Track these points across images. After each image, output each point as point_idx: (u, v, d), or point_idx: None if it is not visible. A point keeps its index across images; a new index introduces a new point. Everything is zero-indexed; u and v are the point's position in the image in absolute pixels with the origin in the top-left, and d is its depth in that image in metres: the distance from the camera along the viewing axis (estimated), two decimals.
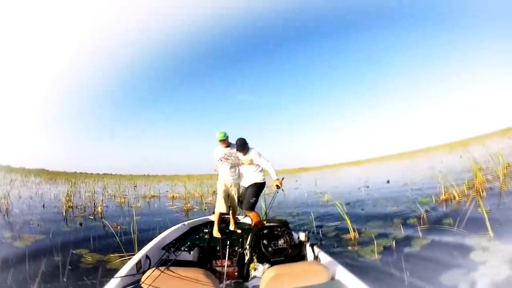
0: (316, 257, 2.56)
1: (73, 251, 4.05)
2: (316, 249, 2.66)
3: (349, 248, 3.95)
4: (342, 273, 1.95)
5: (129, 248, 3.98)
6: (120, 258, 3.83)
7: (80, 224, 6.45)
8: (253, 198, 3.67)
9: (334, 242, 4.30)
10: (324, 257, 2.43)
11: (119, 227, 5.54)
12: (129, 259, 3.60)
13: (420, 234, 3.91)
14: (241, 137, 3.74)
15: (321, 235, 4.75)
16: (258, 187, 3.73)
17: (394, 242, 3.73)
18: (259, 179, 3.74)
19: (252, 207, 3.66)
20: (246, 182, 3.82)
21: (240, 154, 3.75)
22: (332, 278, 1.90)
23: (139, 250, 3.76)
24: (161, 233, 3.40)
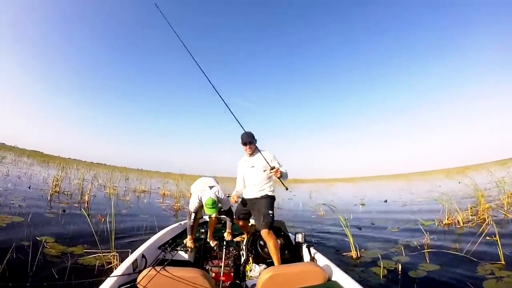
0: (312, 258, 2.58)
1: (37, 238, 3.71)
2: (312, 250, 2.68)
3: (351, 267, 3.66)
4: (339, 275, 1.98)
5: (106, 242, 3.62)
6: (85, 254, 3.49)
7: (64, 211, 6.12)
8: (270, 212, 2.88)
9: (334, 260, 4.01)
10: (321, 258, 2.47)
11: (102, 219, 5.21)
12: (101, 254, 3.35)
13: (427, 258, 3.60)
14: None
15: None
16: (271, 198, 3.02)
17: (399, 265, 3.41)
18: (270, 191, 3.02)
19: (271, 224, 2.83)
20: (252, 194, 3.06)
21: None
22: (329, 279, 1.90)
23: (116, 246, 3.50)
24: (155, 232, 3.33)
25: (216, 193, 3.02)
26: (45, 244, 3.61)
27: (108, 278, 1.89)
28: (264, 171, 2.93)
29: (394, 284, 2.97)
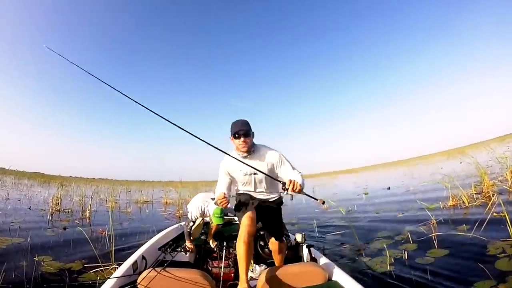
0: (312, 258, 2.58)
1: (35, 258, 3.61)
2: (313, 250, 2.68)
3: (357, 258, 3.55)
4: (339, 274, 1.97)
5: (107, 255, 3.58)
6: (84, 269, 3.40)
7: (64, 229, 6.04)
8: (282, 220, 2.54)
9: (339, 252, 3.92)
10: (321, 259, 2.48)
11: (103, 233, 5.15)
12: (102, 268, 3.28)
13: (434, 243, 3.51)
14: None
15: (323, 246, 4.33)
16: (278, 203, 2.45)
17: (405, 253, 3.31)
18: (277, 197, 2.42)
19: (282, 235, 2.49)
20: (260, 195, 2.38)
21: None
22: (329, 279, 1.91)
23: (116, 259, 3.44)
24: (152, 237, 3.30)
25: None
26: (42, 263, 3.53)
27: (108, 280, 1.91)
28: (272, 173, 2.19)
29: (402, 273, 2.86)
